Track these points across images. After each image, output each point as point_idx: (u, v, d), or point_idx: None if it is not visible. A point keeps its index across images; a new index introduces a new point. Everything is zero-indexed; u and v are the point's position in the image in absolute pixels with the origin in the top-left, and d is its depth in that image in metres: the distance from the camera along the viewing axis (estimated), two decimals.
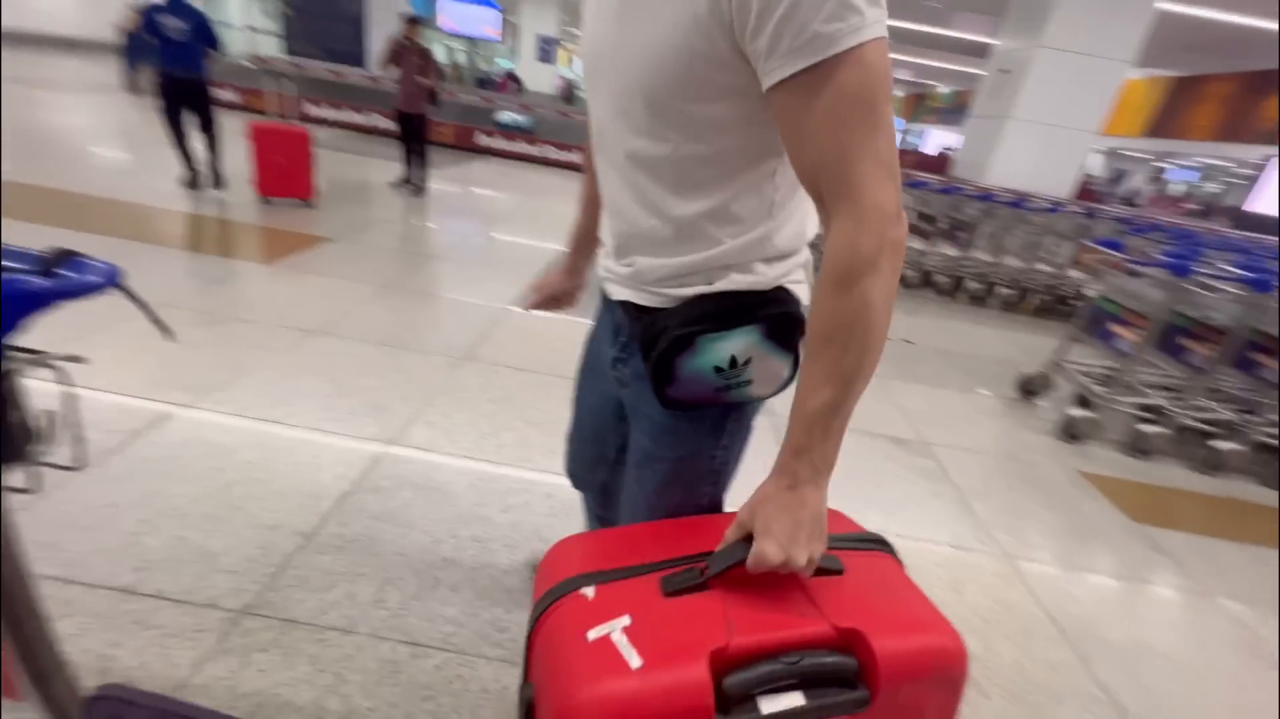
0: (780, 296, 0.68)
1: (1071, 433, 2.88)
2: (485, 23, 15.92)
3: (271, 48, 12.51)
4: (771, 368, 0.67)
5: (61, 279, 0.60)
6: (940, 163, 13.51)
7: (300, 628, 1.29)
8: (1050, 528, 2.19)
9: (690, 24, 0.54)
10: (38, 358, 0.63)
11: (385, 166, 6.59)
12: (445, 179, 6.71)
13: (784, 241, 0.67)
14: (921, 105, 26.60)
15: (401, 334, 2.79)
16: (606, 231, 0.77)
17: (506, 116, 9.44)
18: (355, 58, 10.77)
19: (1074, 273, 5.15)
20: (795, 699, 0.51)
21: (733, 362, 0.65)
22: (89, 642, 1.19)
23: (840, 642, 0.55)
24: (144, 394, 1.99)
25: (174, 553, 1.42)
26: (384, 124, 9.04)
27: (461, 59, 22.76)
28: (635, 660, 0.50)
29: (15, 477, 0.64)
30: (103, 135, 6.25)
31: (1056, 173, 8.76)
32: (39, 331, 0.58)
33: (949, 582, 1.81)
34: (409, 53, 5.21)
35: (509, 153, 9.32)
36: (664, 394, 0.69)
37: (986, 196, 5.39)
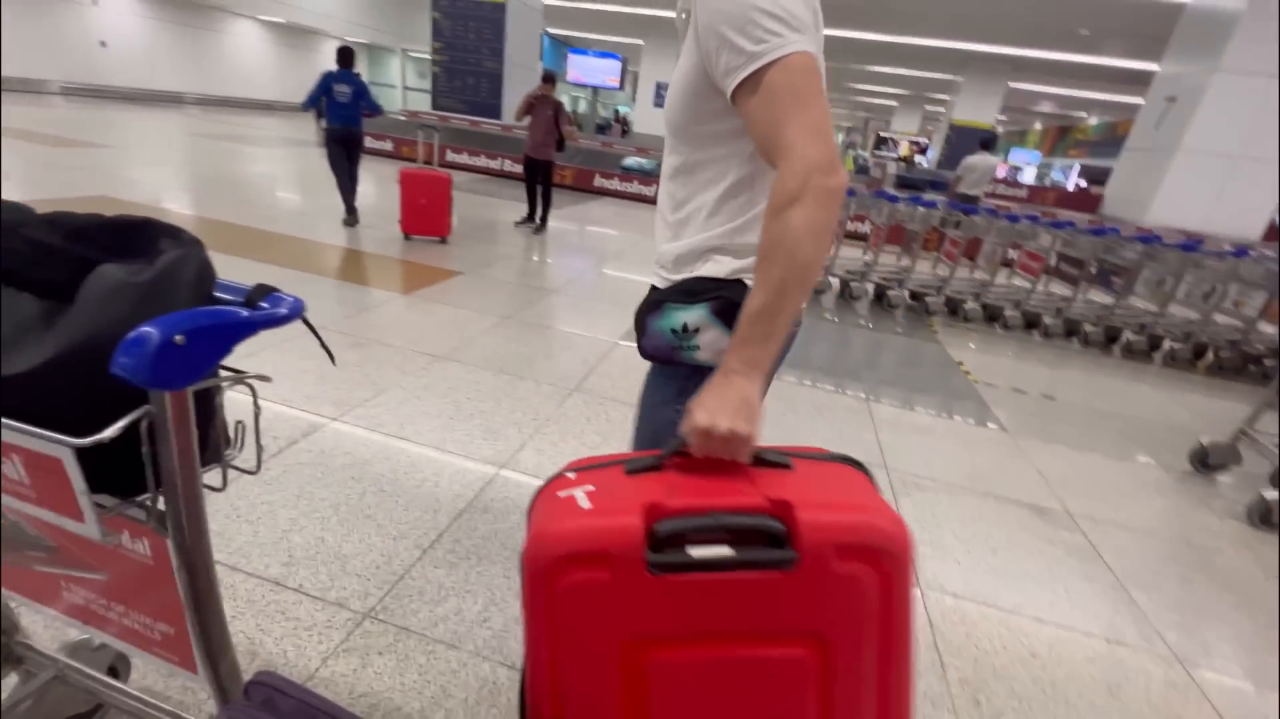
0: (732, 284, 0.84)
1: (1268, 519, 2.40)
2: (608, 73, 17.01)
3: (423, 103, 14.18)
4: (716, 340, 0.83)
5: (261, 311, 0.70)
6: (1085, 200, 12.24)
7: (413, 636, 1.37)
8: (1240, 633, 1.82)
9: (691, 74, 0.79)
10: (237, 376, 0.74)
11: (512, 207, 7.15)
12: (564, 218, 7.14)
13: (752, 238, 0.82)
14: (1065, 139, 24.41)
15: (517, 364, 2.95)
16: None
17: (631, 161, 9.90)
18: (493, 110, 11.90)
19: (1266, 327, 4.38)
20: (723, 551, 0.59)
21: (684, 327, 0.84)
22: (242, 624, 1.34)
23: (770, 510, 0.61)
24: (301, 406, 2.26)
25: (314, 552, 1.58)
26: (512, 168, 9.86)
27: (583, 107, 24.40)
28: (586, 507, 0.63)
29: (210, 476, 0.74)
30: (287, 181, 7.35)
31: (1241, 211, 7.59)
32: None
33: (1102, 683, 1.55)
34: (543, 105, 5.69)
35: (624, 193, 9.74)
36: (640, 344, 0.91)
37: (1150, 238, 4.78)
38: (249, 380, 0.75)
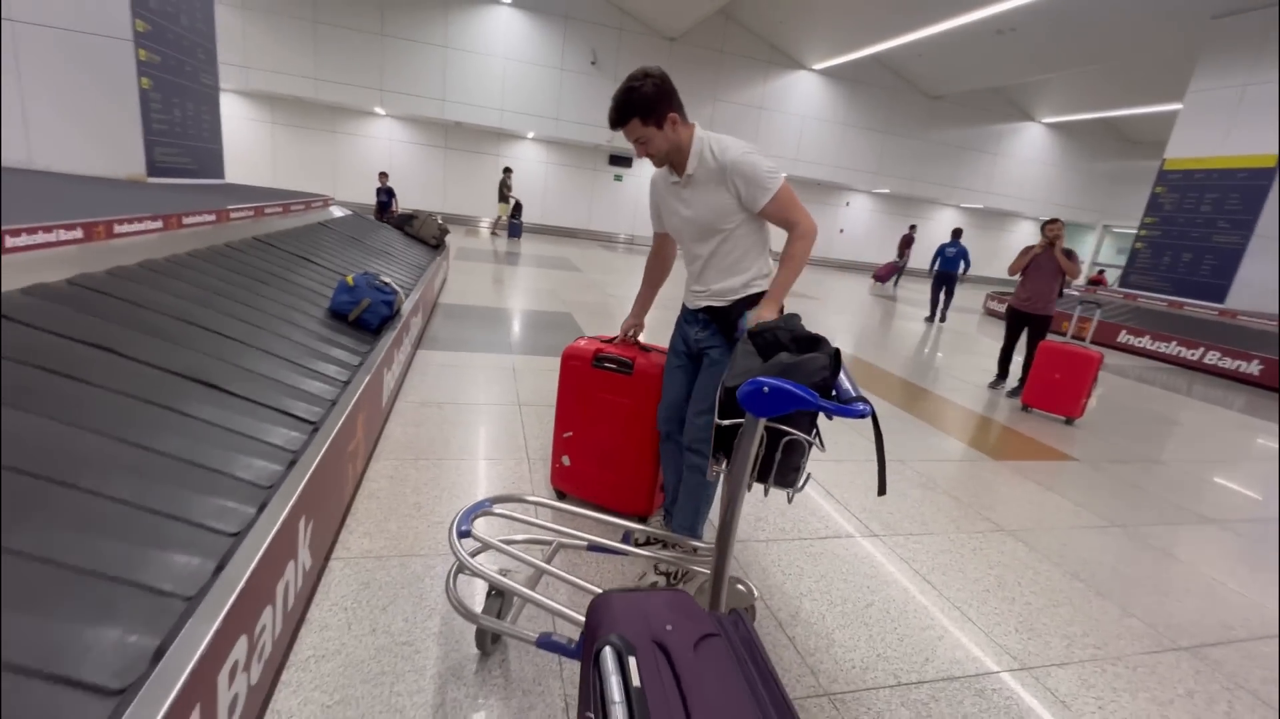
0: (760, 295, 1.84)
1: None
2: None
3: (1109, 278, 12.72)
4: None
5: (830, 401, 1.05)
6: None
7: None
8: None
9: (724, 201, 1.75)
10: (804, 436, 1.11)
11: (1206, 409, 5.50)
12: None
13: (767, 272, 1.86)
14: None
15: (1105, 578, 2.36)
16: (691, 277, 1.93)
17: None
18: (1215, 292, 9.49)
19: None
20: (612, 364, 2.16)
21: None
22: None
23: (627, 356, 2.17)
24: (856, 513, 2.61)
25: (813, 623, 1.85)
26: (1220, 363, 7.55)
27: None
28: (583, 344, 2.23)
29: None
30: (903, 335, 8.16)
31: None
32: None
33: None
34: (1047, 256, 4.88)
35: None
36: (732, 336, 1.83)
37: None
38: (809, 440, 1.11)
